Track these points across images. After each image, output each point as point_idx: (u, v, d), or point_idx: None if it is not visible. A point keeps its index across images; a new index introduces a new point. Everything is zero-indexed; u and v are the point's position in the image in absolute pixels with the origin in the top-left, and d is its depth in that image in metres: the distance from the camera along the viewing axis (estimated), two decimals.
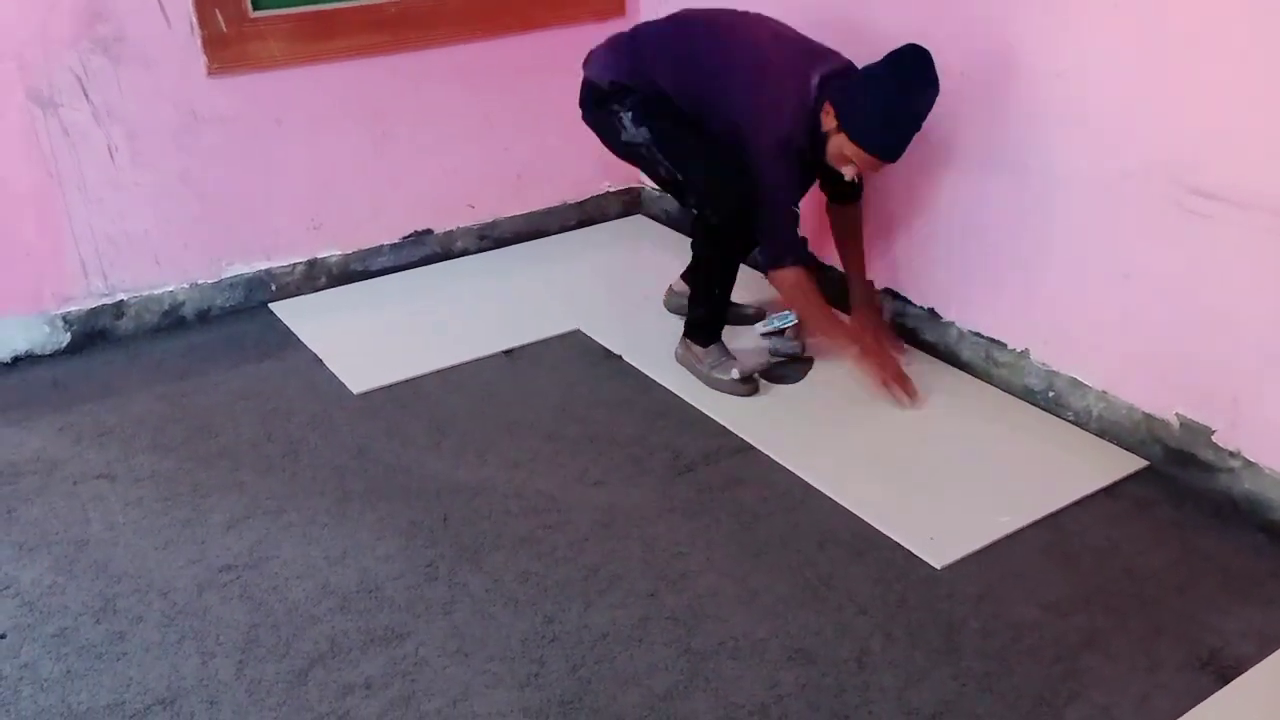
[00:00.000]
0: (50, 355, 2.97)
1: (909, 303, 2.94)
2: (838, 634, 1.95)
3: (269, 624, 2.00)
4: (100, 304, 3.01)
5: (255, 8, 2.92)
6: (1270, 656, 1.89)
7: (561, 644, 1.94)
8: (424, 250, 3.51)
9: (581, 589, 2.08)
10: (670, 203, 3.73)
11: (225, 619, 2.01)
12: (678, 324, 3.09)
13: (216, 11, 2.87)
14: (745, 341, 2.96)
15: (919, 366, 2.85)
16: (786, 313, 2.92)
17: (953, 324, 2.83)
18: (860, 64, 2.50)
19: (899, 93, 2.38)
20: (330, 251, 3.33)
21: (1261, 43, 2.01)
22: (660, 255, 3.59)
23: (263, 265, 3.23)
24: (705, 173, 2.65)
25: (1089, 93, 2.33)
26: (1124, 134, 2.29)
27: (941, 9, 2.60)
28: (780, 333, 2.90)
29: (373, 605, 2.04)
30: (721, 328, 2.85)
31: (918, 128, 2.43)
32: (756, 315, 3.05)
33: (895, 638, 1.95)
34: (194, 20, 2.86)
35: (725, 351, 2.80)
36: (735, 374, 2.74)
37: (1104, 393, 2.49)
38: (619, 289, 3.35)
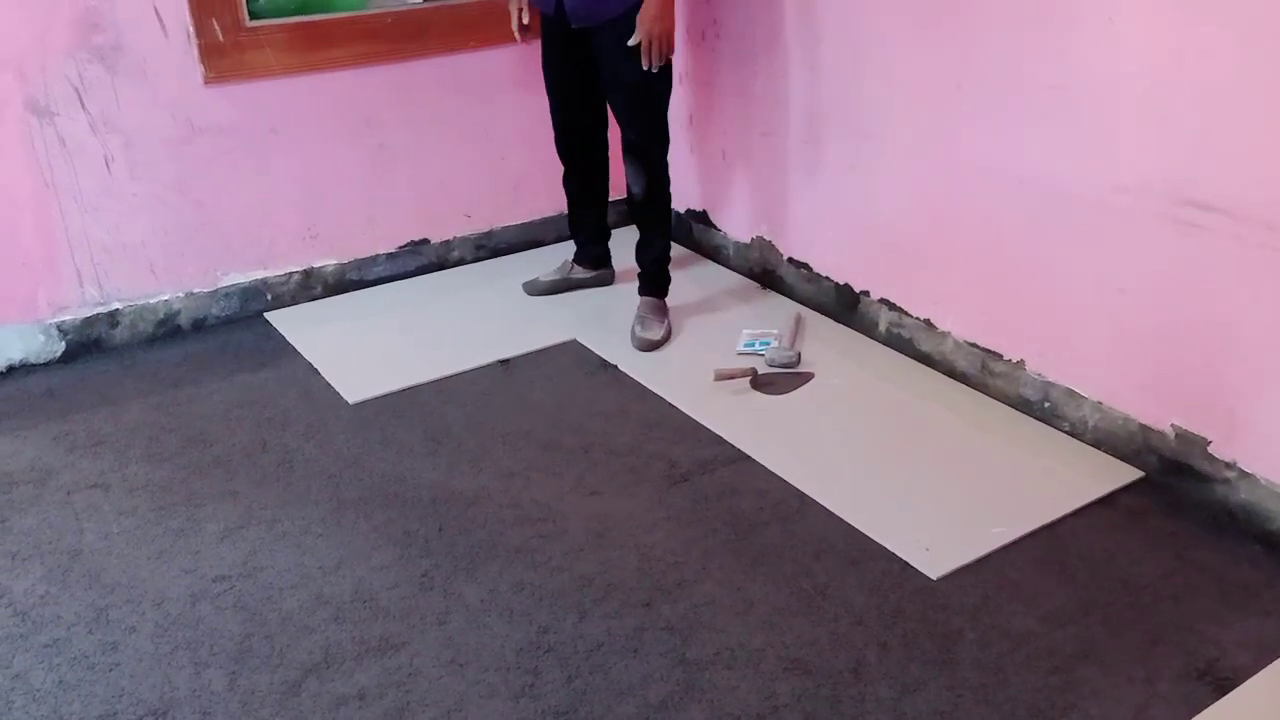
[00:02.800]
0: (45, 364, 2.97)
1: (905, 313, 2.94)
2: (833, 644, 1.95)
3: (262, 634, 1.99)
4: (95, 313, 3.00)
5: (252, 18, 2.93)
6: (1268, 667, 1.89)
7: (556, 654, 1.93)
8: (420, 260, 3.51)
9: (577, 599, 2.07)
10: None
11: (219, 629, 2.00)
12: (675, 334, 3.09)
13: (213, 21, 2.87)
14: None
15: (915, 376, 2.86)
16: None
17: (948, 334, 2.83)
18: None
19: None
20: (326, 261, 3.33)
21: (1254, 54, 2.01)
22: None
23: (258, 274, 3.22)
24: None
25: (1084, 106, 2.33)
26: (1119, 146, 2.29)
27: (939, 21, 2.61)
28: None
29: (367, 615, 2.03)
30: None
31: None
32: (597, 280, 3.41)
33: (891, 648, 1.94)
34: (191, 30, 2.86)
35: None
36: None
37: (1099, 403, 2.49)
38: (615, 299, 3.35)
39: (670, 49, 2.75)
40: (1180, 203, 2.20)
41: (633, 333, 3.05)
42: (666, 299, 3.17)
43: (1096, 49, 2.28)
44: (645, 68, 2.75)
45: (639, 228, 3.14)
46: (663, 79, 2.87)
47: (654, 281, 3.15)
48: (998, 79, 2.51)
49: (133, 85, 2.84)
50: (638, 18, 2.70)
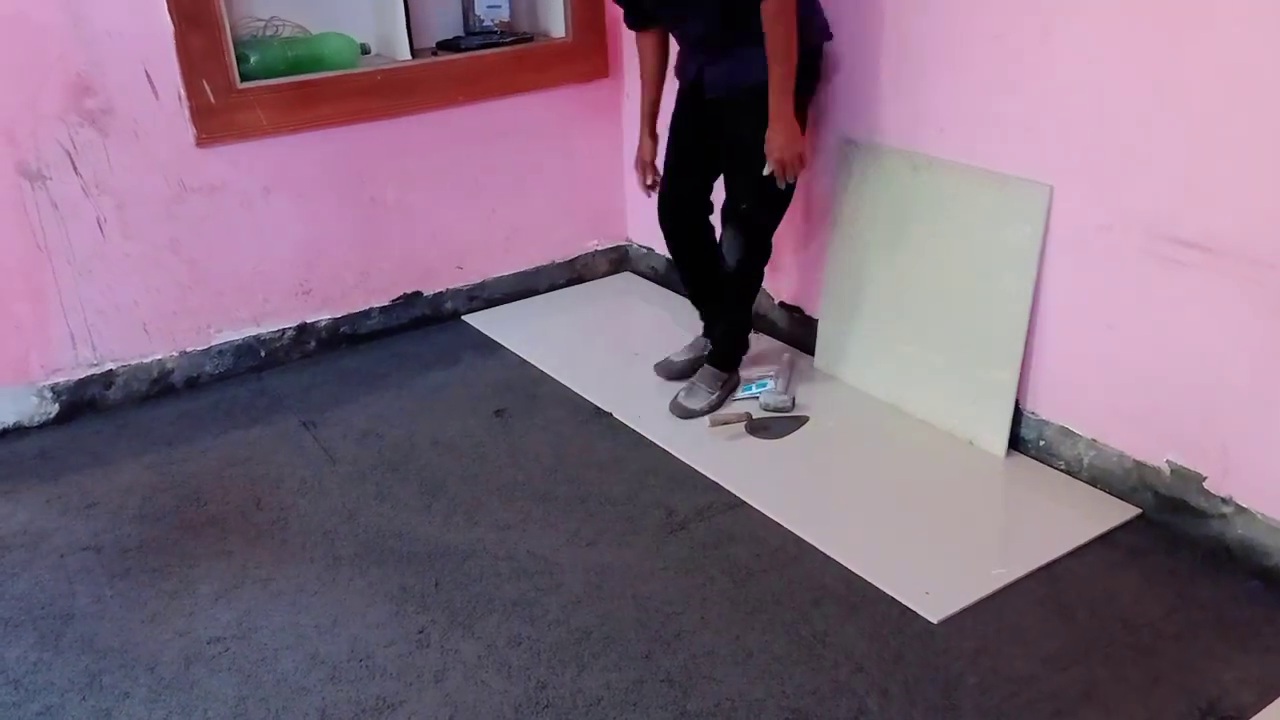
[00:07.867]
0: (38, 426, 2.96)
1: None
2: (834, 693, 1.93)
3: (257, 696, 1.97)
4: (89, 374, 3.00)
5: (243, 79, 2.96)
6: (1270, 705, 1.87)
7: (555, 710, 1.91)
8: (414, 312, 3.52)
9: (575, 652, 2.05)
10: (657, 259, 3.76)
11: (213, 692, 1.98)
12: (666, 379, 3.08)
13: (204, 83, 2.90)
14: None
15: (910, 418, 2.86)
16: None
17: None
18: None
19: None
20: (319, 316, 3.34)
21: (1233, 92, 2.04)
22: (648, 311, 3.61)
23: (252, 331, 3.23)
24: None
25: (1065, 147, 2.36)
26: (1101, 187, 2.31)
27: (921, 65, 2.64)
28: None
29: (363, 674, 2.01)
30: None
31: None
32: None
33: (892, 695, 1.92)
34: (182, 92, 2.89)
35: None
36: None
37: (1094, 441, 2.49)
38: (609, 346, 3.36)
39: (802, 167, 2.64)
40: (1165, 240, 2.22)
41: (675, 396, 2.93)
42: (729, 371, 2.99)
43: (1073, 89, 2.31)
44: (781, 188, 2.64)
45: (722, 298, 2.97)
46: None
47: (719, 351, 2.99)
48: (977, 121, 2.53)
49: (124, 147, 2.87)
50: (765, 145, 2.58)
